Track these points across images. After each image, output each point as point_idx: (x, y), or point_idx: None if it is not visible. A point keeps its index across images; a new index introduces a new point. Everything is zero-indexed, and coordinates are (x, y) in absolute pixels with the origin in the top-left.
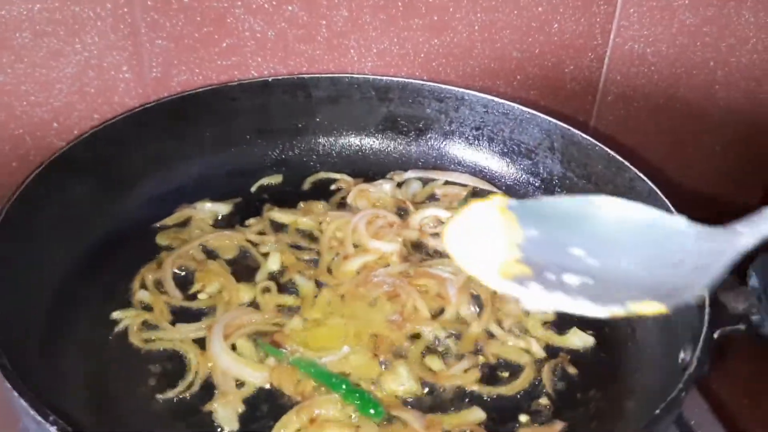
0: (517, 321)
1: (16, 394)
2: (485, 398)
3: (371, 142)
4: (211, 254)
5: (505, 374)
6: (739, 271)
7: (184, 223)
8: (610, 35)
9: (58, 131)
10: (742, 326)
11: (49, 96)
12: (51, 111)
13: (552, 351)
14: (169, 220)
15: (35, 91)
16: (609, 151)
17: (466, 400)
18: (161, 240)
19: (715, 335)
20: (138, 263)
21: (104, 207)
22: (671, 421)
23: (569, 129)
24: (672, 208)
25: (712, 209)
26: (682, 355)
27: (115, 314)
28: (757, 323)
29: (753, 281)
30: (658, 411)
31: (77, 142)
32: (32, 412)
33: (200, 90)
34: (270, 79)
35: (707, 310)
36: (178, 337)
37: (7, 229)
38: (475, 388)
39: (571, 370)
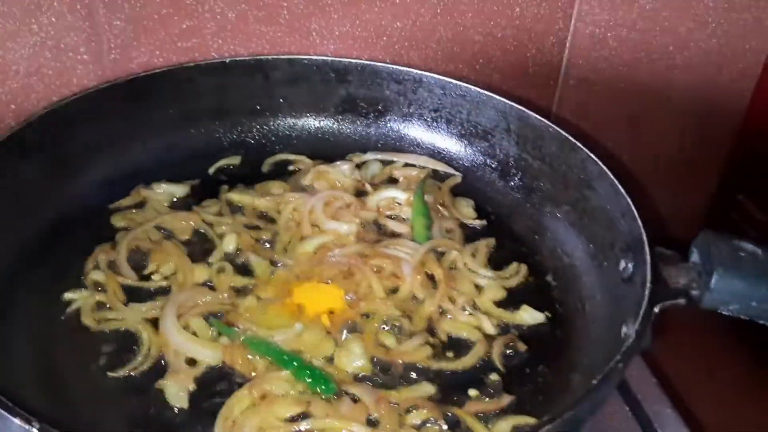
0: (470, 299)
1: None
2: (437, 374)
3: (330, 124)
4: (167, 235)
5: (457, 351)
6: (681, 247)
7: (141, 205)
8: (571, 20)
9: (16, 113)
10: (682, 300)
11: (6, 78)
12: (8, 93)
13: (504, 328)
14: (125, 201)
15: None
16: (562, 131)
17: (417, 375)
18: (117, 221)
19: (656, 309)
20: (93, 244)
21: (59, 188)
22: (610, 391)
23: (524, 110)
24: (621, 189)
25: (667, 192)
26: (624, 329)
27: (67, 295)
28: (697, 298)
29: (694, 257)
30: (595, 382)
31: (28, 123)
32: None
33: (156, 71)
34: (227, 61)
35: (648, 285)
36: (131, 316)
37: None
38: (427, 364)
39: (521, 346)
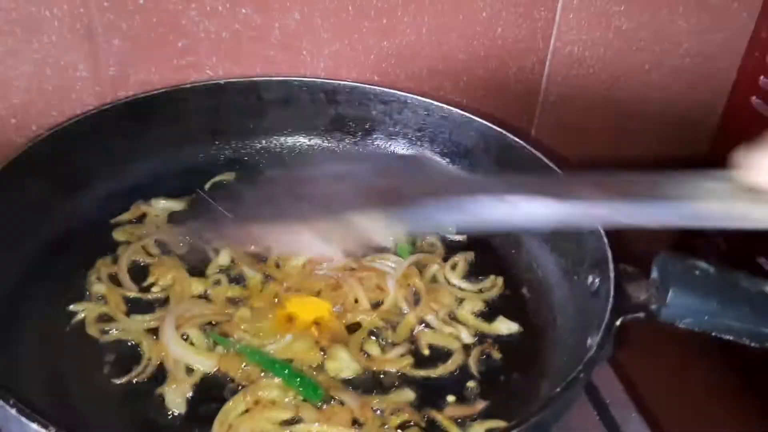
0: (450, 311)
1: None
2: (418, 381)
3: (320, 142)
4: (165, 249)
5: (437, 359)
6: (643, 264)
7: (140, 220)
8: (550, 39)
9: (17, 127)
10: (641, 314)
11: (7, 93)
12: (10, 107)
13: (481, 338)
14: (125, 216)
15: None
16: (537, 153)
17: (400, 382)
18: (118, 236)
19: (618, 322)
20: (95, 258)
21: (62, 205)
22: (574, 397)
23: (502, 132)
24: None
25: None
26: (589, 340)
27: (72, 307)
28: (655, 312)
29: (654, 274)
30: (558, 389)
31: (35, 143)
32: None
33: (154, 93)
34: (222, 82)
35: (611, 299)
36: (133, 327)
37: None
38: (409, 372)
39: (496, 354)
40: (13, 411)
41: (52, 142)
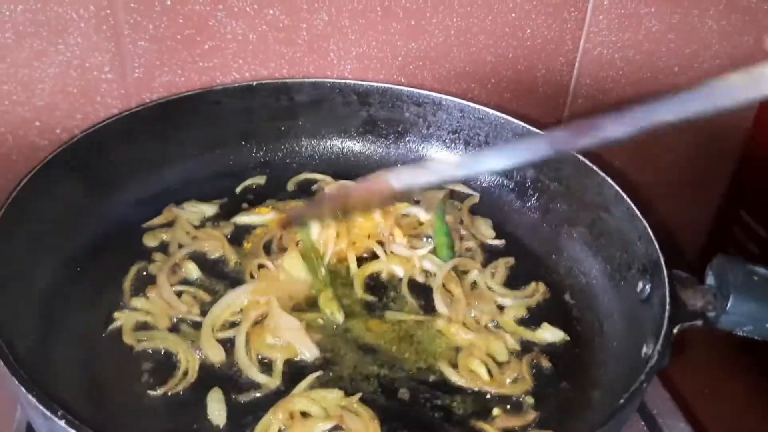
0: (492, 318)
1: (23, 390)
2: (464, 390)
3: (352, 145)
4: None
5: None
6: (698, 271)
7: (171, 224)
8: (580, 41)
9: (40, 130)
10: (699, 322)
11: (32, 95)
12: (33, 110)
13: (525, 346)
14: (157, 220)
15: (17, 91)
16: (579, 156)
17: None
18: (148, 241)
19: (675, 330)
20: (127, 262)
21: (94, 208)
22: (634, 409)
23: (541, 134)
24: (637, 213)
25: (670, 208)
26: (644, 349)
27: (116, 315)
28: (713, 319)
29: (710, 280)
30: (621, 401)
31: (68, 146)
32: (41, 407)
33: (186, 94)
34: (254, 84)
35: (668, 307)
36: (171, 337)
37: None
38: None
39: (546, 363)
40: (62, 423)
41: (85, 144)
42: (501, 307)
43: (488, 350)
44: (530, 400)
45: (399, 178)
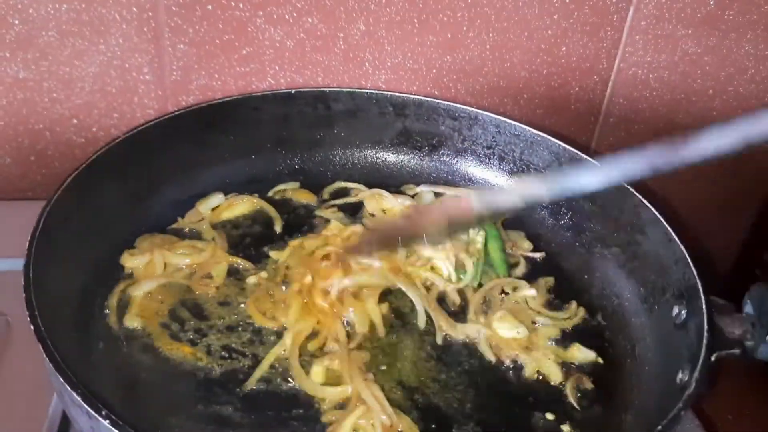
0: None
1: (68, 388)
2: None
3: (386, 156)
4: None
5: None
6: (736, 299)
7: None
8: (615, 60)
9: (78, 128)
10: (737, 350)
11: (71, 94)
12: (71, 108)
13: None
14: (182, 223)
15: (57, 89)
16: None
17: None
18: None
19: (713, 358)
20: None
21: (132, 208)
22: None
23: (578, 153)
24: (674, 236)
25: (697, 232)
26: (680, 375)
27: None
28: (751, 348)
29: (748, 308)
30: (659, 428)
31: (111, 147)
32: (86, 406)
33: (225, 99)
34: (293, 91)
35: (706, 334)
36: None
37: (42, 233)
38: None
39: (588, 385)
40: (106, 422)
41: (126, 145)
42: (534, 326)
43: (540, 369)
44: (550, 416)
45: (482, 200)
